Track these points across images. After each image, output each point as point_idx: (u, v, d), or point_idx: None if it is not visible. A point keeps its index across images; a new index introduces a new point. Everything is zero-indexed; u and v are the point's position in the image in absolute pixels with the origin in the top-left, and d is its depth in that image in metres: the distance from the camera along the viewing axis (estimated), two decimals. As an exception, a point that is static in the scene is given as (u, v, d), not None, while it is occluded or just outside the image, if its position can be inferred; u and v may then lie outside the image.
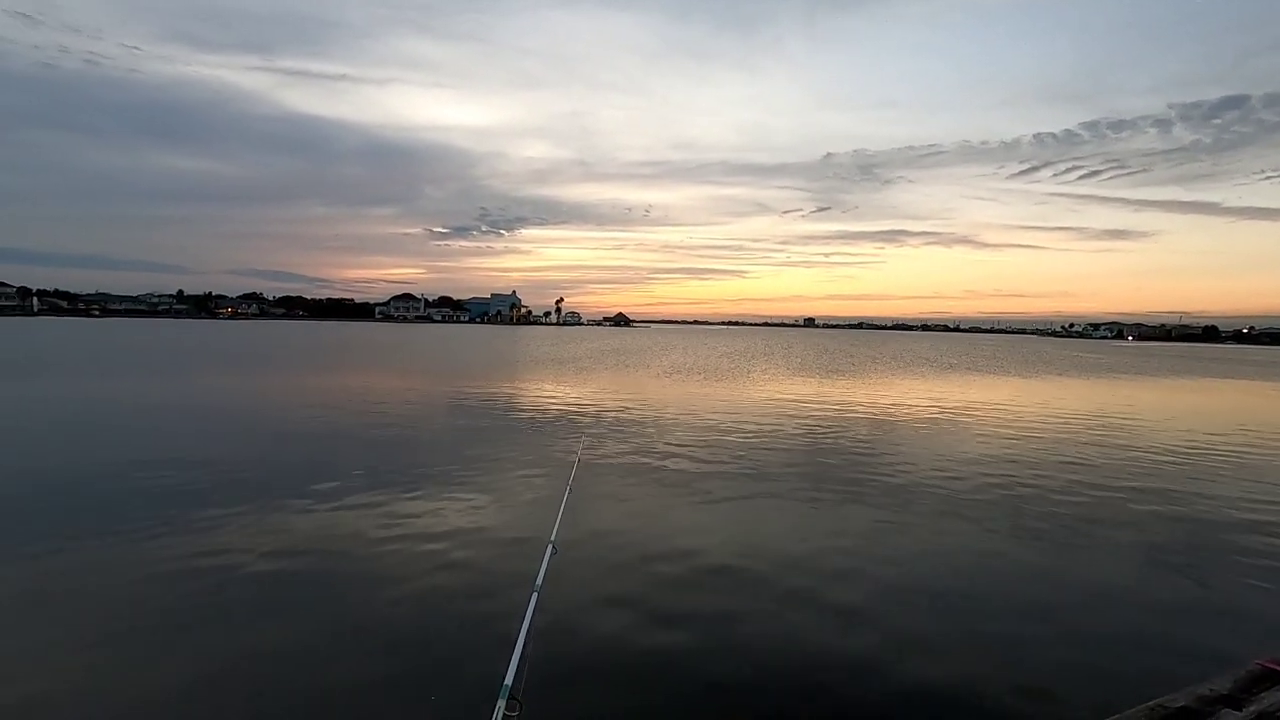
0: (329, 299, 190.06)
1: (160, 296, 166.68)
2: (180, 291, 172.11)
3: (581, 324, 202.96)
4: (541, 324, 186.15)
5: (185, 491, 8.51)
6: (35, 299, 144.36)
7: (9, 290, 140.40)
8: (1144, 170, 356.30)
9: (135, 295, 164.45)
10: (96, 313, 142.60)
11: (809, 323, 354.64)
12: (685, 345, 68.46)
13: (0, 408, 16.14)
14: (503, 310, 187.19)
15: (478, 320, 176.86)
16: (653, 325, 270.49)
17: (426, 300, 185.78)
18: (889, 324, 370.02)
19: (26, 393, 18.88)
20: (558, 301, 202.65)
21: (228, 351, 40.23)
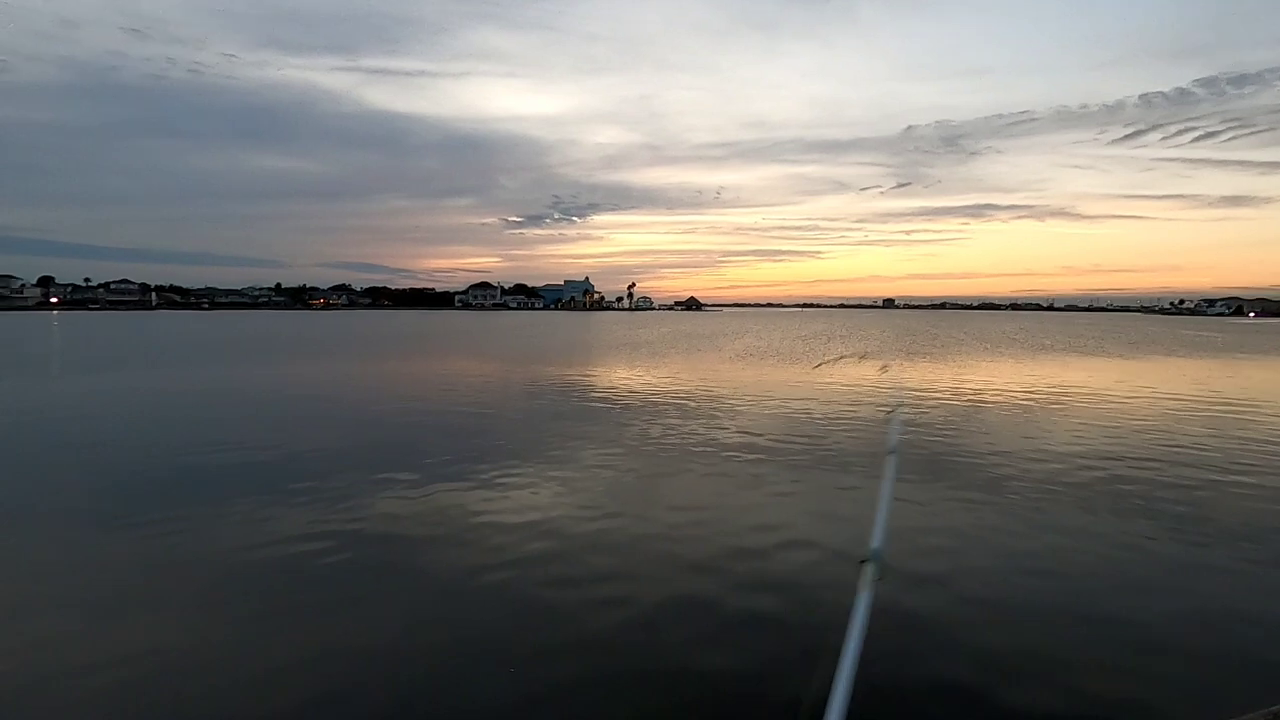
0: (411, 289, 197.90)
1: (260, 290, 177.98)
2: (278, 284, 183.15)
3: (653, 309, 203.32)
4: (614, 309, 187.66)
5: (291, 472, 9.07)
6: (154, 294, 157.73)
7: (131, 287, 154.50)
8: (1271, 129, 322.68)
9: (239, 289, 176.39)
10: (206, 306, 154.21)
11: (888, 303, 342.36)
12: (758, 329, 67.44)
13: (132, 394, 17.71)
14: (576, 296, 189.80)
15: (551, 306, 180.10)
16: (724, 309, 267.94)
17: (502, 288, 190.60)
18: (974, 303, 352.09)
19: (152, 382, 20.63)
20: (629, 287, 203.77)
21: (325, 341, 42.61)
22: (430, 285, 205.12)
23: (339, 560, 5.91)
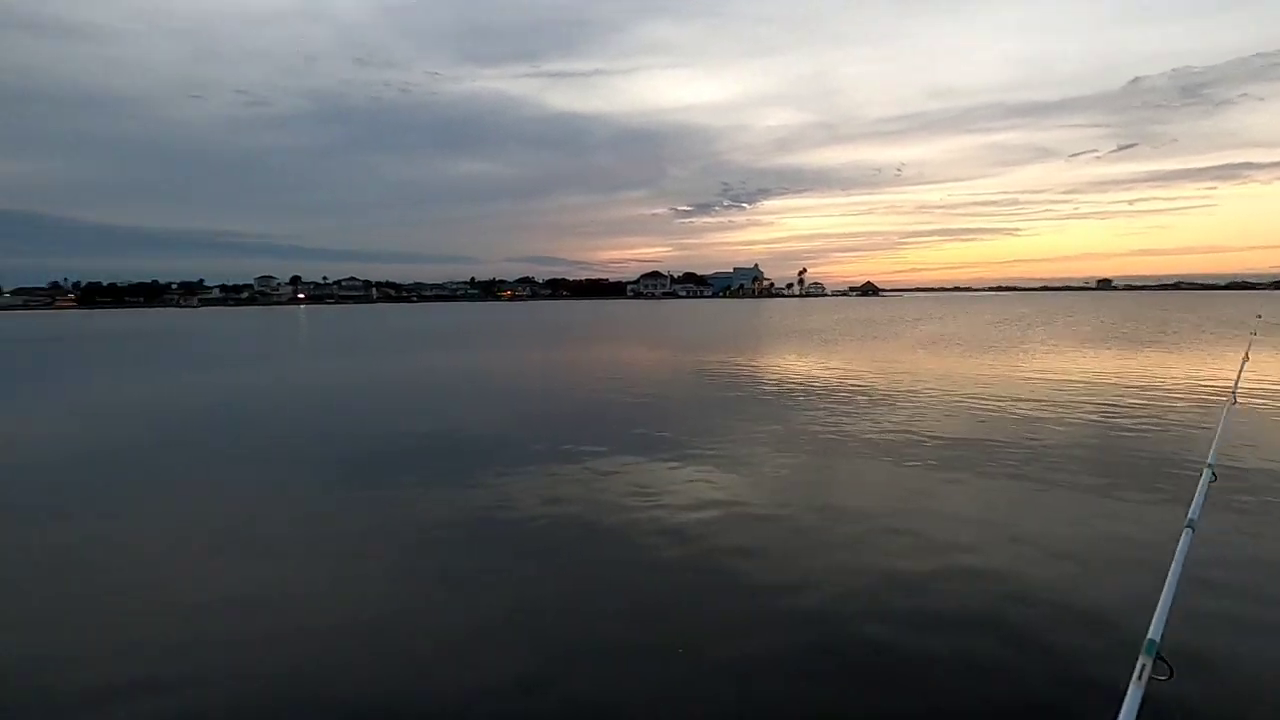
0: (587, 279, 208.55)
1: (457, 284, 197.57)
2: (472, 279, 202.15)
3: (825, 295, 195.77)
4: (784, 296, 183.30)
5: (483, 447, 9.99)
6: (374, 290, 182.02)
7: (357, 284, 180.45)
8: None
9: (440, 283, 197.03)
10: (414, 299, 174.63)
11: (1103, 284, 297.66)
12: (942, 314, 62.22)
13: (360, 374, 20.56)
14: (745, 284, 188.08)
15: (720, 294, 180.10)
16: (904, 294, 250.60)
17: (672, 277, 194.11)
18: (1221, 282, 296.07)
19: (375, 365, 23.77)
20: (800, 273, 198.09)
21: (513, 330, 46.30)
22: (604, 276, 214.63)
23: (524, 529, 6.38)
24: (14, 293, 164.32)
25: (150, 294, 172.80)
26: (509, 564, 5.66)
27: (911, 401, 13.40)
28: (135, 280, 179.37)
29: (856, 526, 6.38)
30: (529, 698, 3.77)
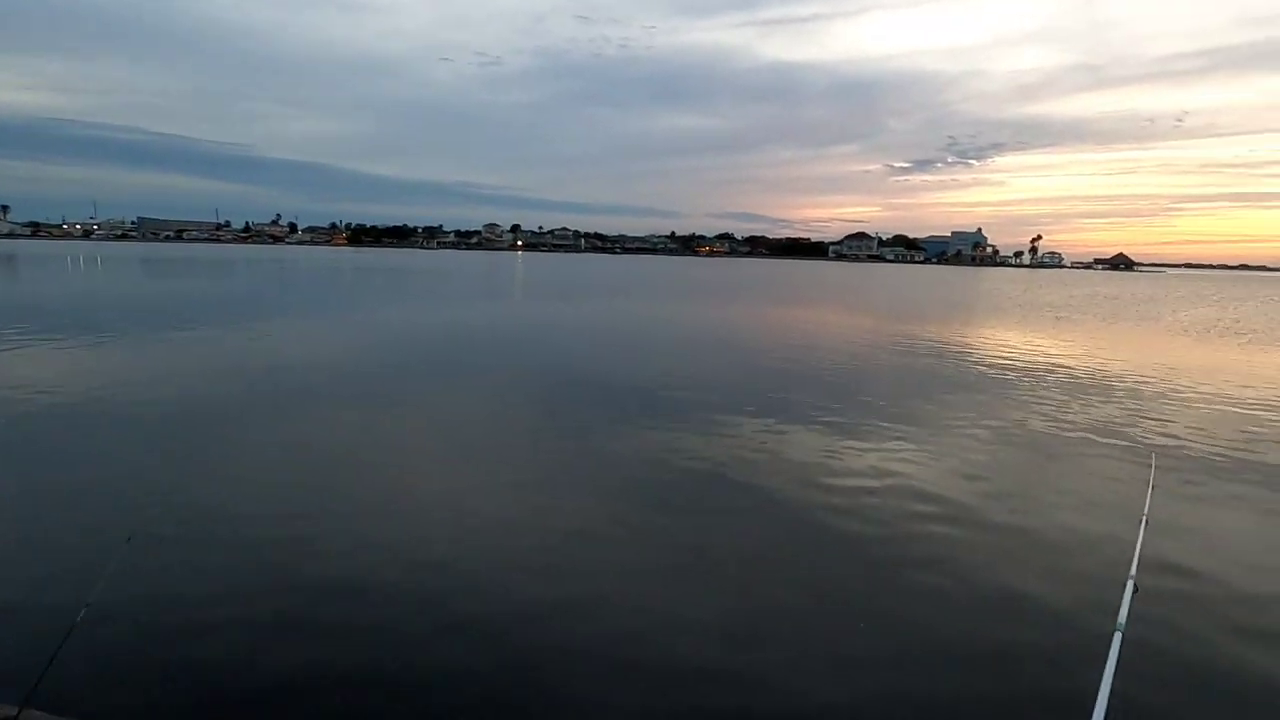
0: (787, 238, 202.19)
1: (658, 237, 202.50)
2: (672, 233, 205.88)
3: (1063, 266, 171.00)
4: (1010, 265, 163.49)
5: (676, 398, 10.54)
6: (582, 240, 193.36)
7: (568, 234, 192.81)
8: None
9: (642, 236, 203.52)
10: (618, 250, 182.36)
11: None
12: (1220, 296, 51.39)
13: (575, 319, 22.40)
14: (963, 249, 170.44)
15: (933, 260, 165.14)
16: (1168, 270, 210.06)
17: (880, 239, 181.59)
18: None
19: (584, 311, 25.62)
20: (1034, 239, 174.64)
21: (712, 285, 46.91)
22: (805, 235, 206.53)
23: (707, 484, 6.72)
24: (305, 230, 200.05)
25: (400, 235, 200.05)
26: (689, 516, 5.92)
27: (1159, 401, 11.58)
28: (390, 224, 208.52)
29: (1045, 531, 5.85)
30: (696, 649, 3.93)
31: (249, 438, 7.67)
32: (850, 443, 8.09)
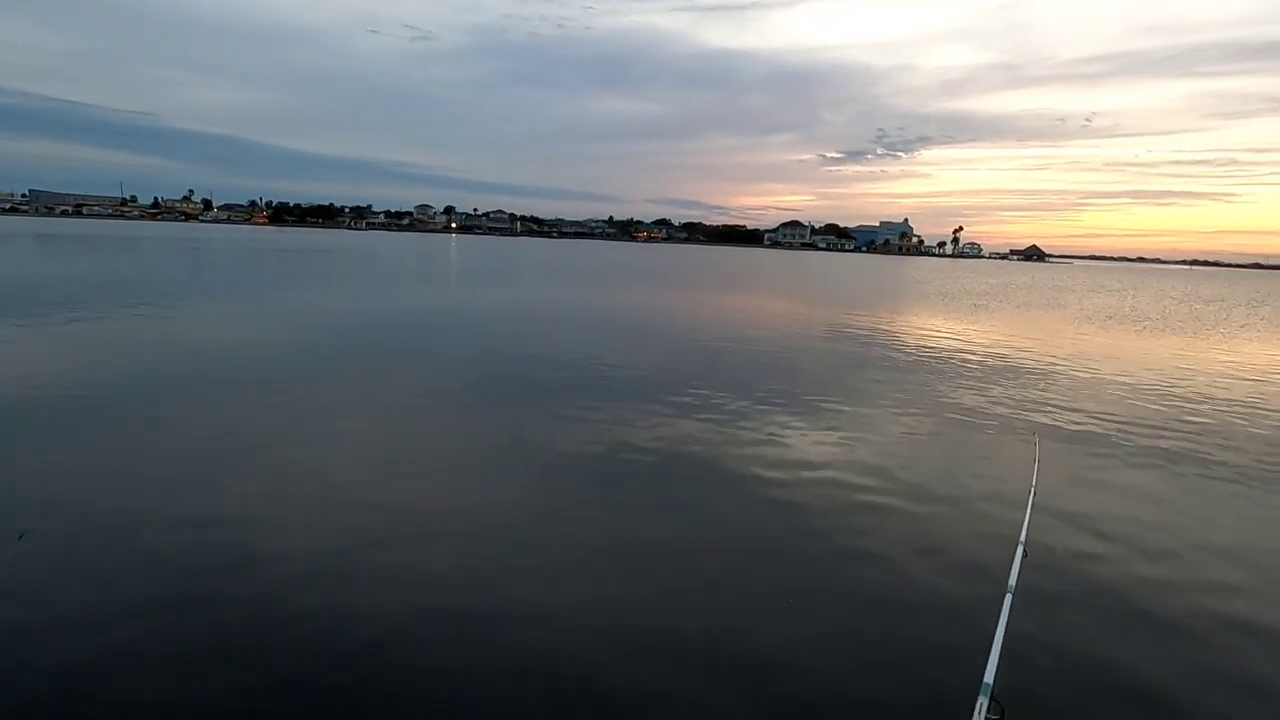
0: (724, 225, 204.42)
1: (596, 222, 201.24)
2: (610, 218, 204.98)
3: (982, 257, 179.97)
4: (934, 255, 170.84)
5: (609, 384, 10.52)
6: (518, 223, 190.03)
7: (504, 217, 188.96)
8: None
9: (580, 220, 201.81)
10: (555, 235, 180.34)
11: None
12: (1121, 287, 55.37)
13: (507, 304, 21.98)
14: (891, 239, 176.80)
15: (863, 249, 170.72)
16: (1075, 261, 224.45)
17: (813, 227, 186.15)
18: None
19: (519, 295, 25.21)
20: (956, 230, 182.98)
21: (650, 272, 46.98)
22: (742, 222, 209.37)
23: (643, 464, 6.76)
24: (220, 208, 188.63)
25: (327, 215, 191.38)
26: (626, 494, 6.02)
27: (1063, 378, 12.35)
28: (315, 202, 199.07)
29: (963, 502, 6.18)
30: (628, 621, 4.04)
31: (158, 429, 7.19)
32: (778, 424, 8.28)
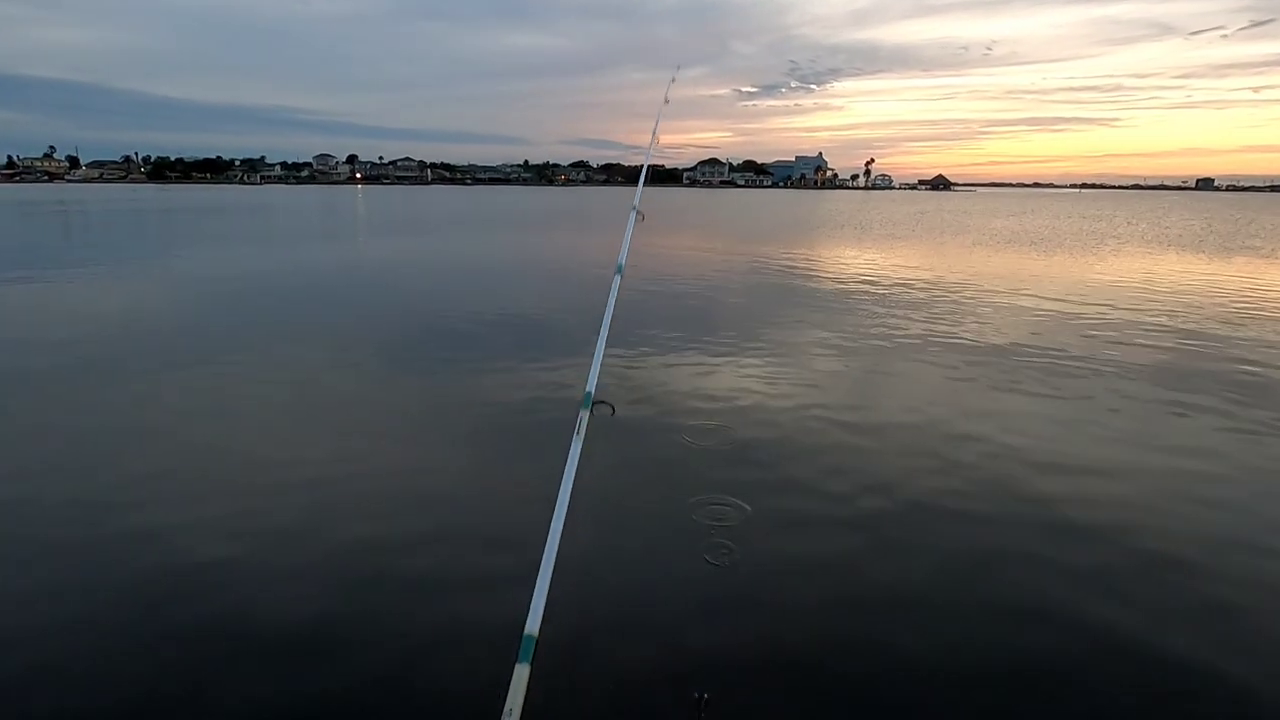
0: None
1: (511, 166, 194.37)
2: (526, 161, 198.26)
3: (893, 188, 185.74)
4: (848, 188, 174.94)
5: (530, 335, 10.40)
6: (429, 171, 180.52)
7: (412, 164, 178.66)
8: None
9: (494, 165, 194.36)
10: (468, 182, 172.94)
11: (1204, 184, 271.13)
12: (1019, 211, 58.60)
13: (419, 257, 21.12)
14: (807, 174, 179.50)
15: (780, 185, 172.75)
16: (979, 189, 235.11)
17: (731, 165, 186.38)
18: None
19: (432, 247, 24.28)
20: (867, 163, 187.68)
21: (568, 215, 46.01)
22: (660, 162, 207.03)
23: (560, 418, 6.76)
24: (89, 165, 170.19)
25: (215, 169, 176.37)
26: (546, 452, 5.99)
27: (972, 302, 13.09)
28: (199, 156, 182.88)
29: (885, 438, 6.55)
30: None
31: (50, 410, 6.63)
32: (704, 365, 8.43)
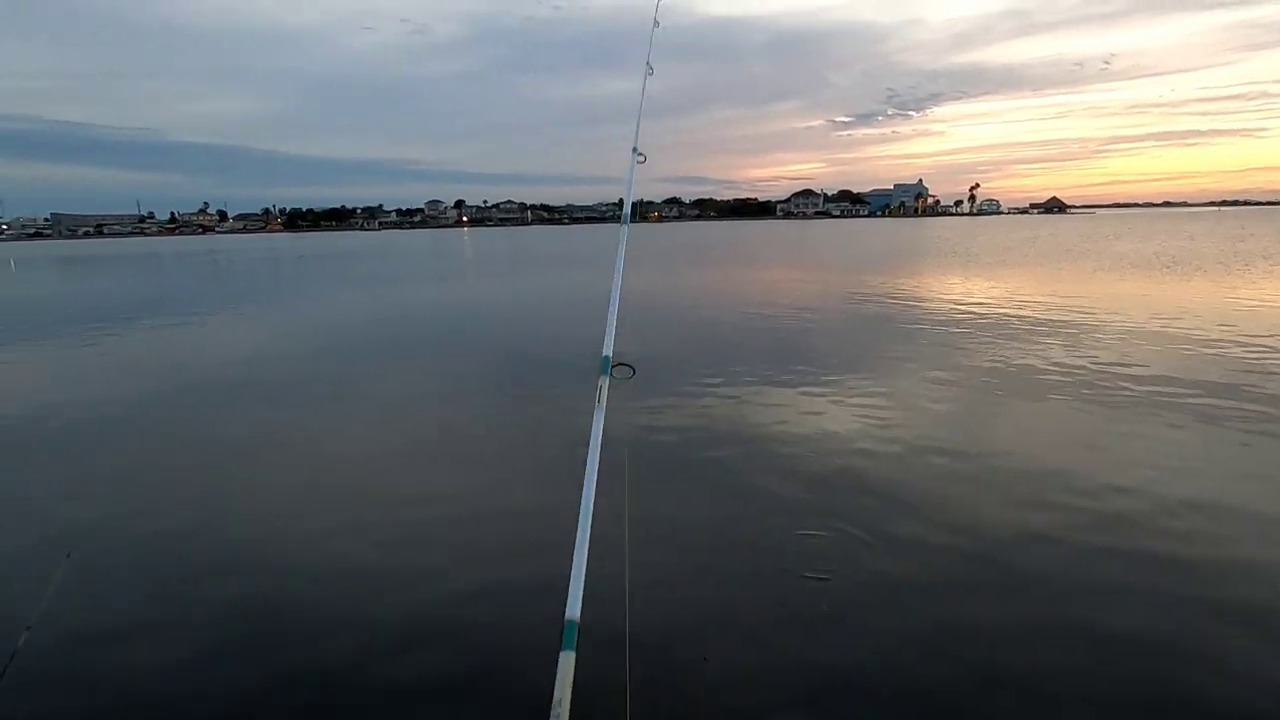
0: (735, 199, 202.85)
1: (606, 205, 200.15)
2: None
3: (1001, 213, 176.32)
4: (951, 214, 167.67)
5: (645, 368, 10.53)
6: (529, 212, 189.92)
7: (514, 207, 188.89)
8: None
9: (590, 205, 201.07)
10: (566, 221, 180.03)
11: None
12: (1146, 232, 53.90)
13: (523, 294, 22.09)
14: (906, 201, 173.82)
15: (878, 214, 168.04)
16: (1098, 211, 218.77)
17: (825, 195, 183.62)
18: None
19: (534, 284, 25.35)
20: (972, 188, 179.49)
21: (664, 252, 46.80)
22: (752, 195, 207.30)
23: (662, 450, 6.80)
24: (236, 218, 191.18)
25: (339, 217, 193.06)
26: (643, 484, 5.85)
27: (1095, 332, 12.12)
28: (326, 206, 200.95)
29: (999, 473, 6.12)
30: (637, 615, 4.13)
31: (189, 442, 7.38)
32: (803, 400, 8.22)
